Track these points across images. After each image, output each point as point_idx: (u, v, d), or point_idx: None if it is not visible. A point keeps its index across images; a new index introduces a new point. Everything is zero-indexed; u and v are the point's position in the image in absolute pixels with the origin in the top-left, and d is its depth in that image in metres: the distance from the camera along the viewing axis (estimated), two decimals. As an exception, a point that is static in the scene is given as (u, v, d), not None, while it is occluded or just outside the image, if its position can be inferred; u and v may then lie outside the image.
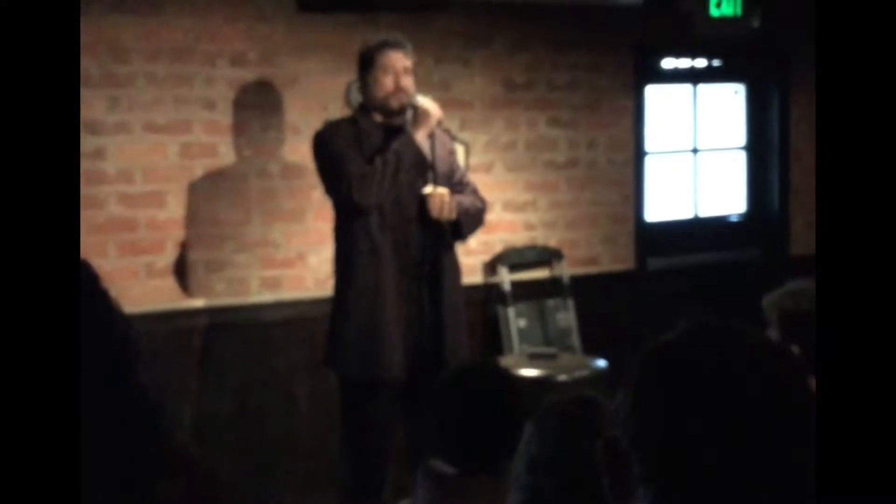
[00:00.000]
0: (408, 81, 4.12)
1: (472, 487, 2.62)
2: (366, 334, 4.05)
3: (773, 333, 3.21)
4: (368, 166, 3.99)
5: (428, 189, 4.12)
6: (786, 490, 1.19)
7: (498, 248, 5.56)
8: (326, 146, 4.12)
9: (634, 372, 1.25)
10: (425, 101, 4.09)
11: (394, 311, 4.06)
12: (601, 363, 5.06)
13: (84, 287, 1.53)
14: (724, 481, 1.18)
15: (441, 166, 4.19)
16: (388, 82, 4.08)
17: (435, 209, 4.09)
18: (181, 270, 4.81)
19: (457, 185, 4.26)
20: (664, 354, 1.25)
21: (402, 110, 4.11)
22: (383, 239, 4.06)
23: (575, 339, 5.65)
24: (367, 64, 4.13)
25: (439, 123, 4.14)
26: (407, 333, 4.11)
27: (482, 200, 4.36)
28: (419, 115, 4.06)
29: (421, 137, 4.06)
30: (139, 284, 4.71)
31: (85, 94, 4.54)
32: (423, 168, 4.12)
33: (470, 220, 4.27)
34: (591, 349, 5.48)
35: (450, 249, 4.25)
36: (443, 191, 4.12)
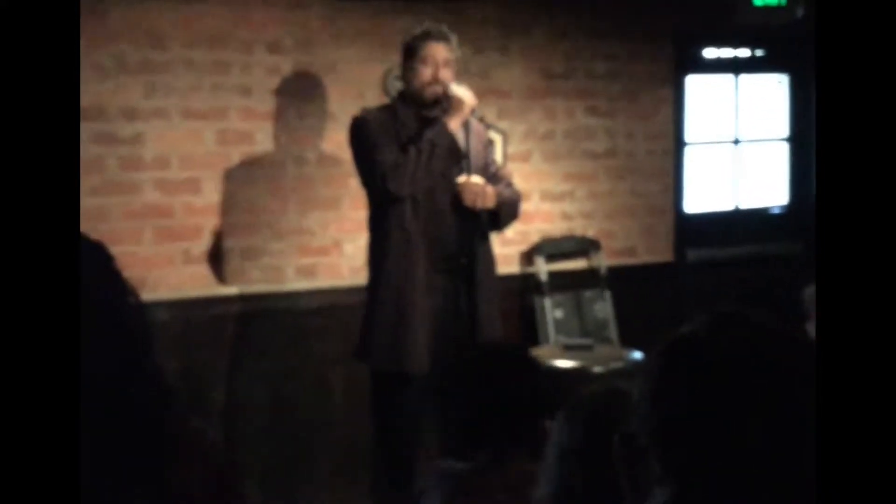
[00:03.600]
0: (446, 74, 4.08)
1: (482, 484, 2.60)
2: (393, 326, 4.02)
3: (812, 326, 3.16)
4: (402, 155, 3.96)
5: (462, 178, 4.08)
6: (806, 489, 1.15)
7: (535, 238, 5.53)
8: (362, 134, 4.08)
9: (653, 365, 1.21)
10: (459, 90, 4.05)
11: (423, 304, 4.02)
12: (637, 355, 5.01)
13: (97, 270, 1.51)
14: (742, 481, 1.15)
15: (476, 157, 4.16)
16: (426, 73, 4.05)
17: (469, 198, 4.05)
18: (217, 257, 4.81)
19: (491, 176, 4.22)
20: (683, 348, 1.21)
21: (436, 102, 4.07)
22: (416, 229, 4.02)
23: (612, 331, 5.61)
24: (408, 53, 4.09)
25: (473, 112, 4.10)
26: (439, 326, 4.07)
27: (516, 192, 4.32)
28: (453, 103, 4.02)
29: (455, 126, 4.02)
30: (175, 271, 4.72)
31: (122, 80, 4.56)
32: (457, 157, 4.09)
33: (508, 210, 4.23)
34: (629, 341, 5.44)
35: (485, 240, 4.22)
36: (477, 180, 4.09)
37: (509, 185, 4.30)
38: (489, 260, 4.24)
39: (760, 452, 1.15)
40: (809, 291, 3.25)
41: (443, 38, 4.09)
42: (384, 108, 4.20)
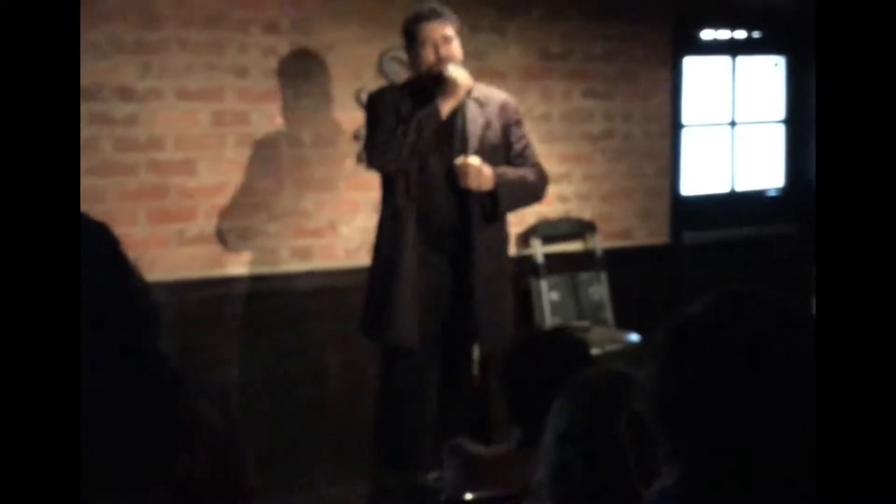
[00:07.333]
0: (450, 49, 4.09)
1: (502, 465, 2.59)
2: (382, 298, 4.09)
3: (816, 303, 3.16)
4: (390, 133, 4.00)
5: (459, 159, 4.08)
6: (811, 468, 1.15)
7: (531, 220, 5.51)
8: (368, 110, 4.21)
9: (660, 345, 1.20)
10: (454, 70, 4.06)
11: (411, 278, 4.06)
12: (634, 337, 5.02)
13: (103, 252, 1.49)
14: (751, 460, 1.14)
15: (489, 136, 4.15)
16: (428, 55, 4.07)
17: (463, 179, 4.05)
18: (212, 239, 4.79)
19: (515, 157, 4.23)
20: (691, 326, 1.20)
21: (438, 78, 4.09)
22: (407, 206, 4.09)
23: (608, 313, 5.60)
24: (408, 38, 4.14)
25: (469, 93, 4.10)
26: (433, 303, 4.10)
27: (540, 175, 4.30)
28: (448, 84, 4.04)
29: (447, 107, 4.04)
30: (170, 252, 4.70)
31: (117, 59, 4.52)
32: (451, 138, 4.09)
33: (510, 193, 4.20)
34: (625, 323, 5.43)
35: (489, 221, 4.20)
36: (474, 160, 4.08)
37: (535, 164, 4.29)
38: (494, 241, 4.23)
39: (770, 431, 1.14)
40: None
41: (436, 16, 4.10)
42: (397, 88, 4.30)
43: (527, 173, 4.25)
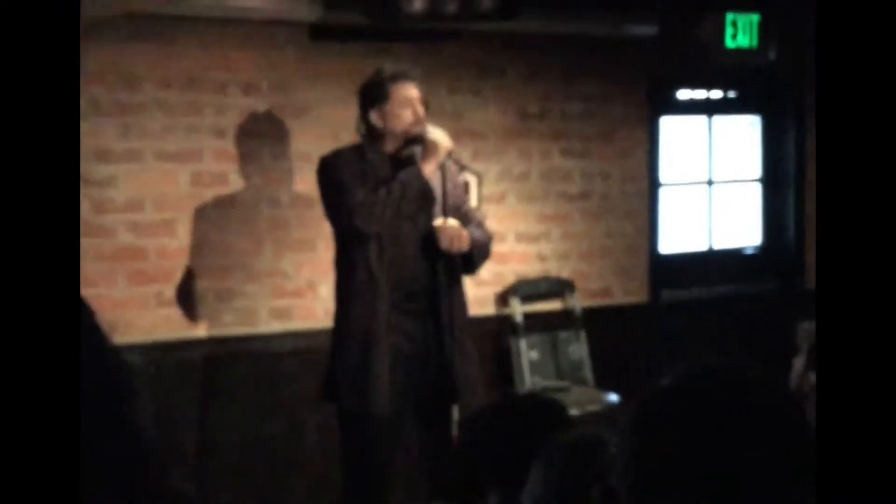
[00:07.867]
0: (423, 111, 4.09)
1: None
2: (358, 365, 4.00)
3: (799, 361, 3.17)
4: (372, 194, 3.94)
5: (439, 221, 4.06)
6: None
7: (510, 280, 5.52)
8: (331, 173, 4.07)
9: (632, 418, 1.20)
10: (435, 132, 4.04)
11: (387, 344, 4.00)
12: (613, 397, 5.01)
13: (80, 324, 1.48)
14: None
15: (450, 199, 4.15)
16: (407, 115, 4.04)
17: (445, 241, 4.03)
18: (191, 300, 4.77)
19: (462, 217, 4.21)
20: (662, 401, 1.20)
21: (409, 142, 4.08)
22: (381, 270, 4.00)
23: (587, 372, 5.60)
24: (379, 97, 4.06)
25: (449, 155, 4.09)
26: (407, 367, 4.04)
27: (487, 233, 4.31)
28: (428, 146, 4.01)
29: (429, 169, 4.01)
30: (148, 313, 4.68)
31: (95, 121, 4.53)
32: (429, 200, 4.08)
33: (480, 252, 4.22)
34: (604, 382, 5.43)
35: (458, 283, 4.20)
36: (454, 223, 4.08)
37: (479, 225, 4.27)
38: (461, 301, 4.22)
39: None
40: (804, 326, 3.25)
41: (411, 77, 4.10)
42: (353, 149, 4.18)
43: (482, 232, 4.25)
